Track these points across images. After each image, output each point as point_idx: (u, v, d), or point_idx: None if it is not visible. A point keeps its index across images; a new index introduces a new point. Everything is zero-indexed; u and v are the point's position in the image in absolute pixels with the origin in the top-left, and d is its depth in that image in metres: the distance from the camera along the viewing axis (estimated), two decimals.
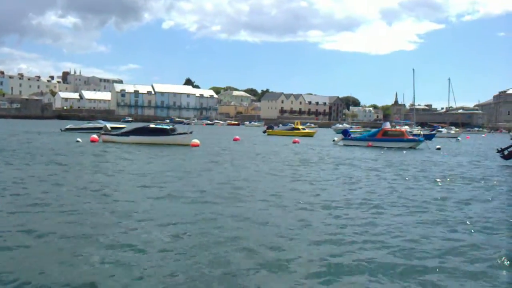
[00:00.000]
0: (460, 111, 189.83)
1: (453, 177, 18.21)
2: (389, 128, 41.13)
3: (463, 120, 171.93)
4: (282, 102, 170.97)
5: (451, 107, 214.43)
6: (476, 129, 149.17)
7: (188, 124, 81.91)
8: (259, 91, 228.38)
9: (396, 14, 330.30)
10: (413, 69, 61.70)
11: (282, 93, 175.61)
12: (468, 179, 17.65)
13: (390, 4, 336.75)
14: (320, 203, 11.14)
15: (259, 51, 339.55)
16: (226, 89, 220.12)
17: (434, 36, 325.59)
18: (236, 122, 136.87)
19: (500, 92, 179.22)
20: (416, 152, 34.45)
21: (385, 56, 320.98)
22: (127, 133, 33.49)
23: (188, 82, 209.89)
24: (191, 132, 33.01)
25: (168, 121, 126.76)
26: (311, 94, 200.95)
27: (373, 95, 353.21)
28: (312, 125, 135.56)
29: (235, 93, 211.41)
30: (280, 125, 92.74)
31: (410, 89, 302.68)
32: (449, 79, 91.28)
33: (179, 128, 36.84)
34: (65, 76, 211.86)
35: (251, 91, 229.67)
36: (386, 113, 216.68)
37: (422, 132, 69.16)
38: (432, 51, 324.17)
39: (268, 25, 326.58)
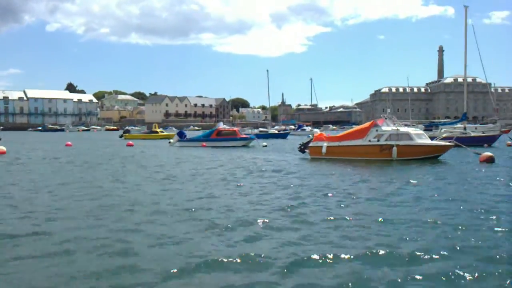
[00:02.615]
0: (341, 109, 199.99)
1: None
2: (223, 128, 41.59)
3: (343, 118, 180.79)
4: (167, 105, 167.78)
5: (333, 106, 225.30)
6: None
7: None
8: (148, 95, 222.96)
9: (285, 17, 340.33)
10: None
11: (166, 96, 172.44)
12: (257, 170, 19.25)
13: (279, 8, 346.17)
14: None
15: (151, 54, 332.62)
16: (110, 93, 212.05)
17: (322, 39, 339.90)
18: (115, 128, 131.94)
19: (375, 91, 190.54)
20: (240, 149, 35.39)
21: (276, 58, 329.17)
22: None
23: (70, 86, 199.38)
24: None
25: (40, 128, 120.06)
26: (201, 96, 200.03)
27: (263, 97, 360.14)
28: (196, 128, 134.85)
29: (120, 97, 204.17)
30: (161, 128, 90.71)
31: (298, 90, 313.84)
32: (311, 79, 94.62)
33: None
34: None
35: (139, 95, 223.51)
36: (274, 113, 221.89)
37: (277, 130, 71.44)
38: (321, 53, 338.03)
39: (160, 28, 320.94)
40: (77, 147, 38.91)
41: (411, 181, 14.95)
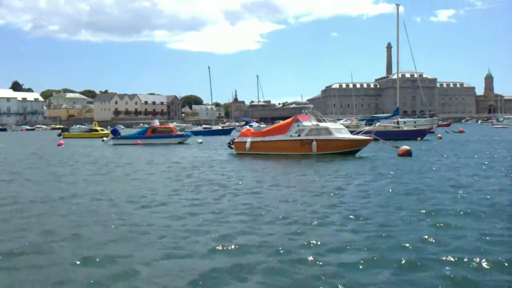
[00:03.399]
0: (293, 105, 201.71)
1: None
2: (158, 126, 41.01)
3: (296, 114, 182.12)
4: (116, 103, 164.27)
5: (286, 102, 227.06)
6: None
7: None
8: (98, 92, 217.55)
9: (239, 14, 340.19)
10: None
11: (116, 93, 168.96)
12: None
13: (232, 5, 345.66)
14: None
15: (102, 52, 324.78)
16: (59, 91, 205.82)
17: (276, 36, 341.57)
18: (61, 127, 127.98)
19: (326, 87, 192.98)
20: (173, 146, 35.11)
21: (231, 55, 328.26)
22: None
23: (16, 85, 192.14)
24: None
25: None
26: (153, 94, 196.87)
27: (218, 94, 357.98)
28: (146, 125, 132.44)
29: (68, 95, 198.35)
30: (109, 126, 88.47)
31: (253, 87, 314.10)
32: (257, 76, 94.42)
33: None
34: None
35: (89, 93, 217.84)
36: (228, 110, 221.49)
37: (221, 126, 71.15)
38: (275, 50, 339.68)
39: (111, 25, 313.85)
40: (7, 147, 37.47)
41: (326, 175, 15.08)
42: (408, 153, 21.62)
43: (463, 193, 10.92)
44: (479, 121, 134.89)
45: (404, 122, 47.16)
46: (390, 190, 11.59)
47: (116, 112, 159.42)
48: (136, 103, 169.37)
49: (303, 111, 26.85)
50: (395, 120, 41.55)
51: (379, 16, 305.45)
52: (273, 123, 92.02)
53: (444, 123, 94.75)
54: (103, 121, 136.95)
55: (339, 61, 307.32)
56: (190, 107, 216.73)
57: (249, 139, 24.57)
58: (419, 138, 38.31)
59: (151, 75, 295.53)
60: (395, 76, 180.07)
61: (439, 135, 40.58)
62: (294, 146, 22.99)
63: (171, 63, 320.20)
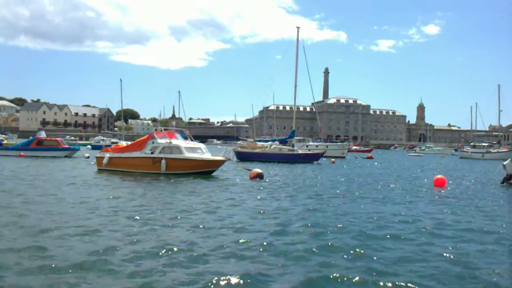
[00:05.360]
0: (230, 125, 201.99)
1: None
2: (44, 137, 39.09)
3: (232, 133, 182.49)
4: (44, 113, 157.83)
5: (224, 121, 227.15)
6: (239, 142, 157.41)
7: None
8: (30, 101, 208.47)
9: (185, 31, 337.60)
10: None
11: (45, 103, 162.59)
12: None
13: (178, 21, 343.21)
14: None
15: (42, 59, 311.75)
16: None
17: (222, 55, 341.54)
18: None
19: (264, 108, 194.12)
20: (55, 160, 33.66)
21: (175, 71, 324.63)
22: None
23: None
24: None
25: None
26: (89, 106, 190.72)
27: (157, 109, 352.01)
28: (72, 138, 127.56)
29: None
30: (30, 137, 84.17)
31: (198, 104, 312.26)
32: (179, 91, 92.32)
33: None
34: None
35: (19, 101, 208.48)
36: (165, 126, 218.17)
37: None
38: (220, 68, 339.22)
39: (52, 32, 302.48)
40: None
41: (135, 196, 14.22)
42: (259, 176, 20.92)
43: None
44: (405, 148, 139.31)
45: (317, 146, 47.37)
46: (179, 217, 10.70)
47: (44, 123, 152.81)
48: (66, 114, 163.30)
49: (165, 128, 25.81)
50: (292, 143, 41.44)
51: (324, 42, 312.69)
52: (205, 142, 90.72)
53: (366, 148, 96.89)
54: (28, 131, 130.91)
55: (282, 83, 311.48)
56: (126, 121, 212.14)
57: (107, 155, 23.42)
58: (315, 162, 38.41)
59: (91, 86, 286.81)
60: (330, 101, 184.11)
61: (333, 159, 40.90)
62: (147, 164, 21.93)
63: (113, 75, 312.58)
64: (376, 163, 44.01)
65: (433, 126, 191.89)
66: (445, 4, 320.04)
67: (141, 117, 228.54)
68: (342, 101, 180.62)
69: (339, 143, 64.65)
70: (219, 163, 22.10)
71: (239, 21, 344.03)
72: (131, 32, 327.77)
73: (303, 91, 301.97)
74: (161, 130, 24.25)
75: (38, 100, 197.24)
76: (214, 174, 22.43)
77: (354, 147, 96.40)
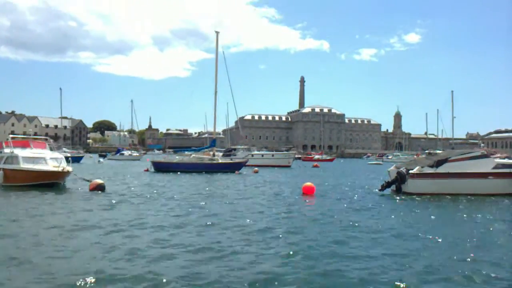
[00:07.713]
0: (206, 135, 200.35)
1: None
2: None
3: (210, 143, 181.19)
4: (13, 125, 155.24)
5: (201, 131, 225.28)
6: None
7: None
8: (4, 113, 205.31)
9: (168, 41, 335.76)
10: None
11: (13, 114, 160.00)
12: None
13: (161, 31, 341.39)
14: None
15: (23, 70, 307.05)
16: None
17: (206, 64, 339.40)
18: None
19: (240, 118, 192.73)
20: None
21: (158, 81, 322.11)
22: None
23: None
24: None
25: None
26: (66, 117, 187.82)
27: (139, 120, 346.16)
28: None
29: None
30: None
31: (180, 114, 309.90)
32: (131, 100, 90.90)
33: None
34: None
35: None
36: (142, 137, 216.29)
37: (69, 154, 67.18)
38: (203, 78, 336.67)
39: (33, 43, 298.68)
40: None
41: None
42: (100, 187, 19.16)
43: None
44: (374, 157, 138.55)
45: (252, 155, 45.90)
46: None
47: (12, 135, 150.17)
48: (36, 126, 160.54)
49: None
50: (212, 153, 39.88)
51: (306, 51, 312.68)
52: (118, 150, 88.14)
53: (328, 158, 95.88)
54: None
55: (264, 92, 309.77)
56: (102, 133, 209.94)
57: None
58: (237, 172, 36.92)
59: (72, 98, 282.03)
60: (305, 110, 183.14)
61: (256, 169, 39.38)
62: None
63: (95, 86, 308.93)
64: (318, 172, 42.53)
65: (410, 134, 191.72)
66: (425, 11, 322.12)
67: (120, 128, 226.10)
68: (317, 110, 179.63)
69: (285, 152, 62.99)
70: (60, 175, 19.97)
71: (223, 31, 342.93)
72: (114, 42, 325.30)
73: (279, 99, 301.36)
74: (22, 138, 22.41)
75: (12, 112, 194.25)
76: (66, 185, 20.64)
77: (317, 156, 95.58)
